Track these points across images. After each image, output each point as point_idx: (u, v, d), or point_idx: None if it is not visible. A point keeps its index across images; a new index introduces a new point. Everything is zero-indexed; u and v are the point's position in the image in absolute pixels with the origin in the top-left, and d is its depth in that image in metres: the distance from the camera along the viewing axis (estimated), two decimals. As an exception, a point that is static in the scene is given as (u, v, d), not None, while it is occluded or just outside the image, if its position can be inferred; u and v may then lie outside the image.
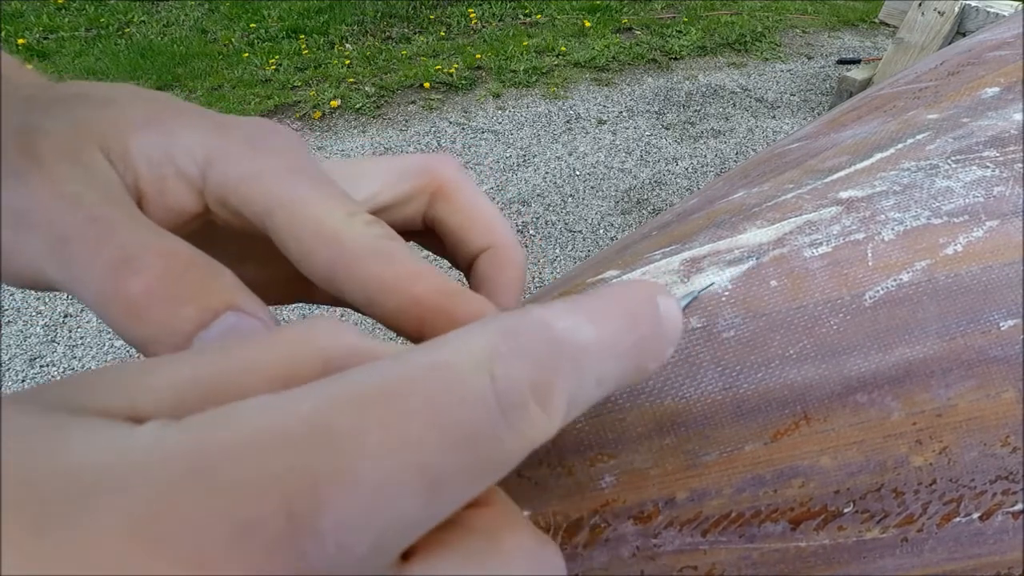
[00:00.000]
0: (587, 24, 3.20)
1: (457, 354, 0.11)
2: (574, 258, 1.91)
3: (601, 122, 2.52)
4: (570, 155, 2.33)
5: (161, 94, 0.18)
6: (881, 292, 0.21)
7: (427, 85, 2.67)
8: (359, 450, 0.09)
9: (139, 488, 0.09)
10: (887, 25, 2.59)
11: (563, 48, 2.97)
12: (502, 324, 0.11)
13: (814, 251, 0.22)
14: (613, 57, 2.93)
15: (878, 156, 0.26)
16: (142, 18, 3.05)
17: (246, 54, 2.80)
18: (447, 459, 0.10)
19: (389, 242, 0.15)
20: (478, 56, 2.87)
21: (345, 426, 0.10)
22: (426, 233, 0.21)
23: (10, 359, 1.57)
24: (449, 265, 0.21)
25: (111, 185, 0.15)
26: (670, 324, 0.14)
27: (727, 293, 0.21)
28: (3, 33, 2.78)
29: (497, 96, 2.65)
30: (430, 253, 0.22)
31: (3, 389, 1.50)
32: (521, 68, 2.79)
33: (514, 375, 0.11)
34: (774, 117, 2.60)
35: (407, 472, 0.10)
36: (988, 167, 0.24)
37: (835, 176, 0.25)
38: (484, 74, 2.80)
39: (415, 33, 3.09)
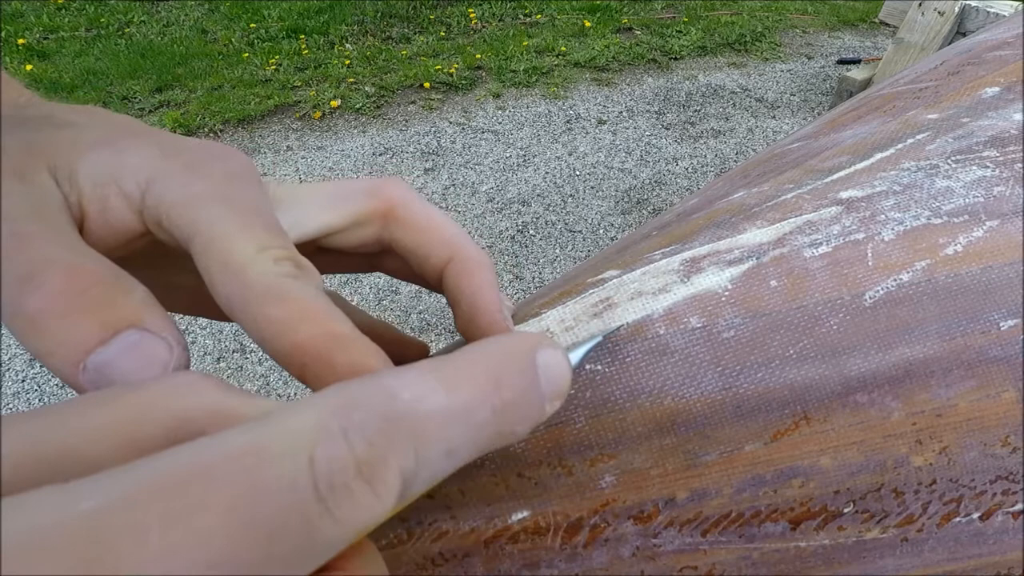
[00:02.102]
0: (587, 24, 3.20)
1: (276, 435, 0.10)
2: (574, 258, 1.91)
3: (601, 122, 2.52)
4: (570, 155, 2.33)
5: (124, 118, 0.18)
6: (881, 292, 0.21)
7: (427, 85, 2.67)
8: (135, 552, 0.09)
9: None
10: (887, 25, 2.59)
11: (563, 48, 2.97)
12: (338, 398, 0.11)
13: (814, 251, 0.22)
14: (613, 57, 2.93)
15: (878, 156, 0.26)
16: (142, 18, 3.05)
17: (246, 54, 2.80)
18: (245, 555, 0.09)
19: (289, 281, 0.15)
20: (478, 56, 2.87)
21: (124, 524, 0.09)
22: (392, 257, 0.21)
23: (10, 359, 1.57)
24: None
25: (47, 203, 0.15)
26: (551, 380, 0.13)
27: (727, 293, 0.21)
28: (3, 33, 2.78)
29: (497, 96, 2.65)
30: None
31: (3, 389, 1.50)
32: (521, 68, 2.80)
33: (337, 456, 0.10)
34: (774, 117, 2.60)
35: (192, 573, 0.09)
36: (988, 167, 0.24)
37: (835, 176, 0.25)
38: (484, 74, 2.80)
39: (415, 33, 3.09)
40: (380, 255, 0.22)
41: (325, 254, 0.21)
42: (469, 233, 1.89)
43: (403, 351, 0.24)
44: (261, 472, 0.10)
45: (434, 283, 0.20)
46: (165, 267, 0.19)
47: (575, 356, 0.19)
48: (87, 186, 0.16)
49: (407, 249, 0.20)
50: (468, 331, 0.19)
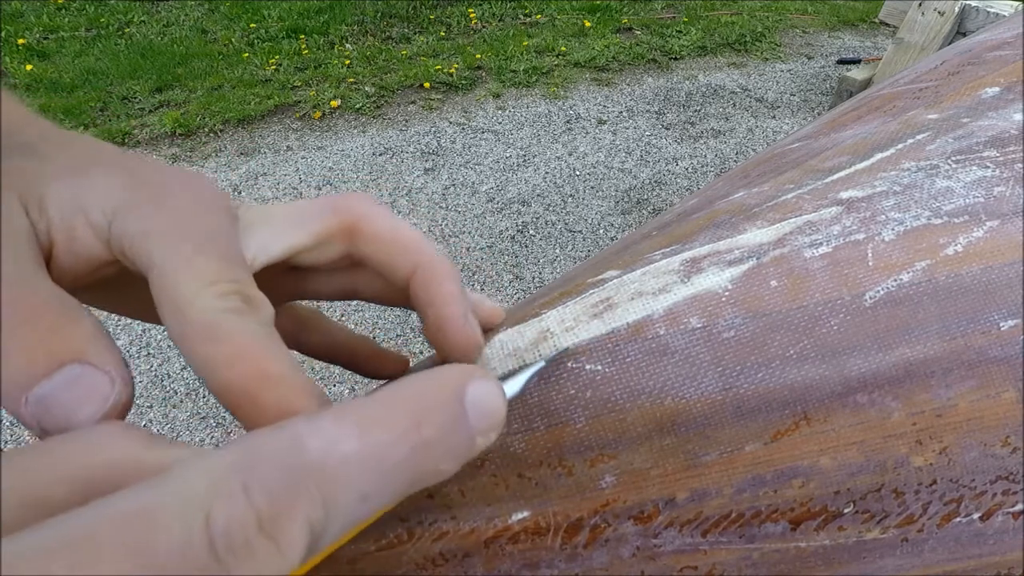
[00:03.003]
0: (587, 24, 3.20)
1: (171, 494, 0.10)
2: (574, 258, 1.91)
3: (601, 122, 2.52)
4: (570, 155, 2.33)
5: (101, 146, 0.18)
6: (881, 292, 0.21)
7: (427, 85, 2.67)
8: None
9: None
10: (887, 25, 2.59)
11: (563, 48, 2.97)
12: (240, 451, 0.11)
13: (814, 251, 0.22)
14: (613, 57, 2.93)
15: (878, 156, 0.26)
16: (142, 18, 3.05)
17: (246, 54, 2.80)
18: None
19: (229, 317, 0.15)
20: (478, 56, 2.87)
21: None
22: (366, 279, 0.21)
23: (10, 359, 1.57)
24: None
25: (11, 231, 0.15)
26: (482, 414, 0.13)
27: (727, 293, 0.21)
28: (3, 33, 2.78)
29: (497, 96, 2.65)
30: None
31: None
32: (521, 68, 2.79)
33: (235, 514, 0.10)
34: (774, 117, 2.60)
35: None
36: (988, 167, 0.24)
37: (835, 176, 0.25)
38: (484, 74, 2.80)
39: (415, 33, 3.09)
40: (356, 279, 0.22)
41: (300, 275, 0.21)
42: (469, 233, 1.87)
43: (382, 365, 0.24)
44: (151, 536, 0.10)
45: (403, 298, 0.20)
46: (137, 289, 0.20)
47: (516, 384, 0.18)
48: (55, 215, 0.16)
49: (374, 262, 0.20)
50: (436, 341, 0.19)
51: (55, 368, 0.14)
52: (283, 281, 0.22)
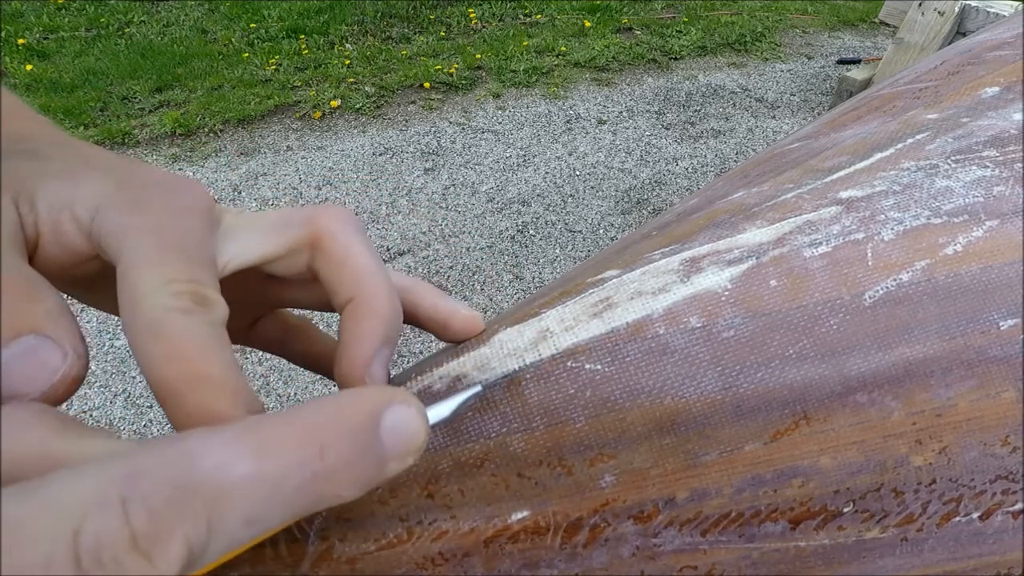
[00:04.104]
0: (587, 24, 3.20)
1: (41, 506, 0.10)
2: (574, 258, 1.91)
3: (601, 122, 2.52)
4: (570, 155, 2.33)
5: (102, 155, 0.19)
6: (881, 292, 0.21)
7: (427, 85, 2.67)
8: None
9: None
10: (887, 25, 2.59)
11: (563, 48, 2.97)
12: (126, 463, 0.11)
13: (814, 251, 0.22)
14: (613, 57, 2.93)
15: (878, 156, 0.26)
16: (142, 18, 3.05)
17: (246, 54, 2.80)
18: None
19: (176, 316, 0.15)
20: (478, 56, 2.87)
21: None
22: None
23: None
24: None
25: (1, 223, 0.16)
26: (398, 441, 0.13)
27: (727, 293, 0.21)
28: (3, 33, 2.78)
29: (497, 96, 2.65)
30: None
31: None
32: (521, 68, 2.80)
33: (107, 529, 0.10)
34: (774, 117, 2.60)
35: None
36: (988, 167, 0.24)
37: (835, 176, 0.25)
38: (484, 74, 2.80)
39: (415, 33, 3.09)
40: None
41: (280, 284, 0.21)
42: (469, 233, 1.87)
43: None
44: (14, 549, 0.09)
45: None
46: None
47: (446, 408, 0.18)
48: (43, 211, 0.17)
49: (324, 280, 0.19)
50: (335, 371, 0.19)
51: (9, 339, 0.14)
52: (265, 288, 0.22)
